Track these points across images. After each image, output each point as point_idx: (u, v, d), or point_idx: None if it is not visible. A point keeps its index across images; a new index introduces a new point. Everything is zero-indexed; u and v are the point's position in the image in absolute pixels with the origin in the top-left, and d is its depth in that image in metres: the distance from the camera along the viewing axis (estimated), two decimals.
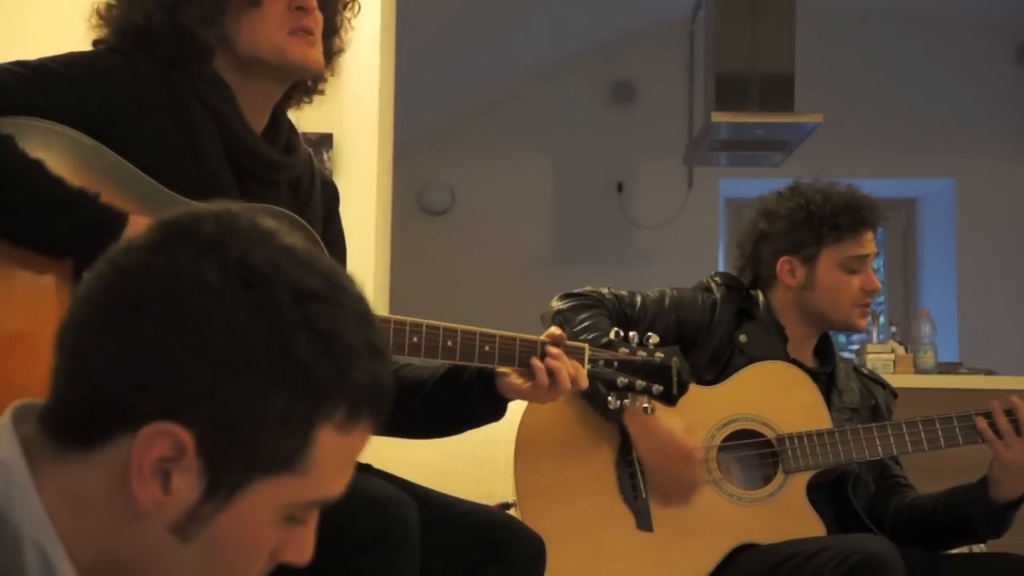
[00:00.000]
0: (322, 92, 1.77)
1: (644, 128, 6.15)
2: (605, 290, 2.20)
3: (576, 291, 2.19)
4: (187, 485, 0.78)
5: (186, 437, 0.77)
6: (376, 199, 3.18)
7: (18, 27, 3.09)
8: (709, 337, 2.20)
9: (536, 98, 6.19)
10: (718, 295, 2.24)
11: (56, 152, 1.45)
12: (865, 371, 2.40)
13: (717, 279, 2.28)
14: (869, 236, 2.25)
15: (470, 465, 2.42)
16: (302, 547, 0.85)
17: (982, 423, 2.10)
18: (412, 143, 5.97)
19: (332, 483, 0.83)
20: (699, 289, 2.27)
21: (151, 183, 1.49)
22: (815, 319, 2.26)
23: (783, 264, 2.24)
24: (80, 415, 0.80)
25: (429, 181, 6.23)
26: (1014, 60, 6.05)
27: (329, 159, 3.11)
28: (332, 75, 1.74)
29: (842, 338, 6.69)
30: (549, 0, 5.48)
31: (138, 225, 1.41)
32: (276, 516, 0.81)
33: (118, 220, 1.41)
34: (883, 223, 2.31)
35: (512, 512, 2.03)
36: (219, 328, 0.78)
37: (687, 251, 6.03)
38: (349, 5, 1.74)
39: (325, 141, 3.09)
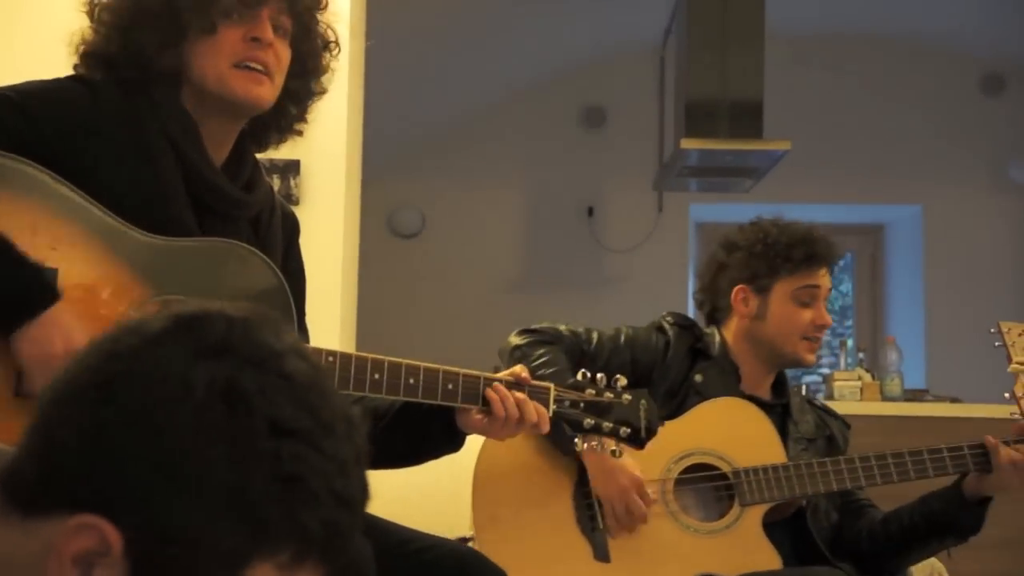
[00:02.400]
0: (299, 133, 1.75)
1: (615, 153, 6.17)
2: (562, 326, 2.23)
3: (534, 327, 2.22)
4: None
5: (115, 537, 0.73)
6: (343, 225, 3.17)
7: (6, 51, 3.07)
8: (663, 376, 2.24)
9: (507, 122, 6.20)
10: (671, 335, 2.28)
11: (9, 187, 1.42)
12: (817, 403, 2.44)
13: (669, 319, 2.33)
14: (823, 271, 2.28)
15: (433, 496, 2.41)
16: None
17: (1000, 447, 2.11)
18: (383, 166, 5.97)
19: None
20: (652, 328, 2.31)
21: (110, 218, 1.47)
22: (765, 352, 2.29)
23: (738, 293, 2.29)
24: (30, 481, 0.77)
25: (400, 204, 6.22)
26: (979, 89, 6.12)
27: (296, 185, 3.09)
28: (307, 122, 1.73)
29: None
30: (520, 24, 5.50)
31: (62, 318, 1.39)
32: None
33: (39, 301, 1.39)
34: (838, 259, 2.34)
35: (470, 546, 2.02)
36: (184, 441, 0.74)
37: (657, 275, 6.06)
38: (330, 46, 1.71)
39: (292, 168, 3.08)
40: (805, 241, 2.27)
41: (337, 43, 1.72)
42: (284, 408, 0.76)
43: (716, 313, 2.36)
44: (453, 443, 1.71)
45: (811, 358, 2.29)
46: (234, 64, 1.55)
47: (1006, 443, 2.13)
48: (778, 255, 2.26)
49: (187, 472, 0.74)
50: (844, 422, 2.41)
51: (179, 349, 0.77)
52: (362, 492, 0.80)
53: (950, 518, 2.18)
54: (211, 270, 1.50)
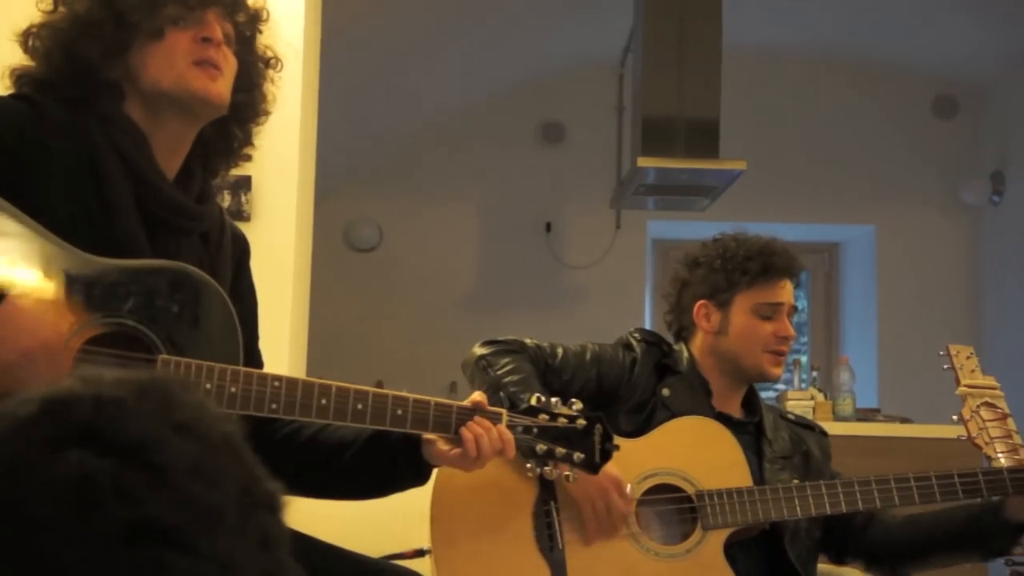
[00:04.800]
0: (248, 158, 1.73)
1: (573, 169, 6.18)
2: (528, 340, 2.21)
3: (499, 338, 2.20)
4: None
5: None
6: (295, 240, 3.14)
7: None
8: (631, 391, 2.21)
9: (466, 137, 6.20)
10: (638, 351, 2.26)
11: None
12: (792, 417, 2.42)
13: (636, 335, 2.31)
14: (783, 284, 2.28)
15: (386, 517, 2.38)
16: None
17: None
18: (340, 180, 5.93)
19: None
20: (619, 345, 2.29)
21: (53, 240, 1.43)
22: (730, 366, 2.28)
23: (699, 308, 2.29)
24: None
25: (356, 218, 6.19)
26: (932, 111, 6.20)
27: (247, 201, 3.06)
28: (254, 146, 1.71)
29: None
30: (480, 40, 5.50)
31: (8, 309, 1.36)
32: None
33: None
34: (797, 274, 2.32)
35: (427, 560, 2.00)
36: (36, 548, 0.64)
37: (615, 291, 6.07)
38: (271, 63, 1.71)
39: (243, 183, 3.04)
40: (762, 253, 2.26)
41: (279, 61, 1.71)
42: (148, 506, 0.65)
43: (683, 331, 2.35)
44: (419, 476, 1.69)
45: (776, 371, 2.27)
46: (191, 62, 1.55)
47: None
48: (735, 268, 2.26)
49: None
50: (822, 431, 2.38)
51: (38, 438, 0.66)
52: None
53: (984, 533, 2.14)
54: (152, 291, 1.47)
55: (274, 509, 0.71)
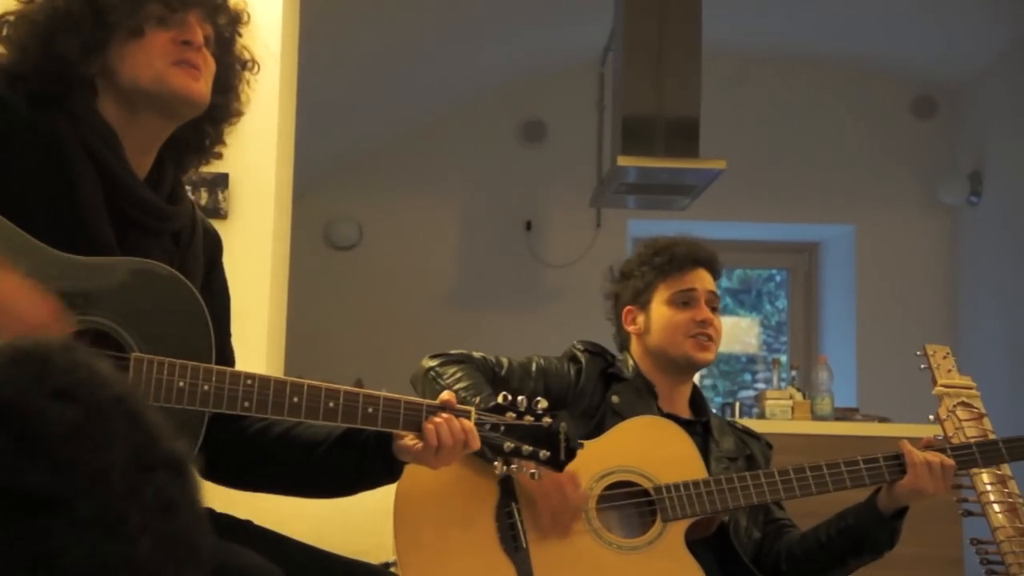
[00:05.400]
0: (218, 156, 1.73)
1: (554, 167, 6.18)
2: (475, 352, 2.28)
3: (446, 352, 2.26)
4: None
5: None
6: (273, 238, 3.12)
7: None
8: (577, 401, 2.28)
9: (447, 135, 6.19)
10: (583, 361, 2.34)
11: None
12: (738, 426, 2.49)
13: (580, 347, 2.39)
14: (693, 273, 2.37)
15: (359, 518, 2.38)
16: None
17: (914, 450, 2.17)
18: (321, 178, 5.92)
19: None
20: (565, 358, 2.36)
21: (21, 235, 1.42)
22: (663, 362, 2.36)
23: (626, 315, 2.41)
24: None
25: (336, 216, 6.18)
26: (911, 111, 6.23)
27: (224, 199, 3.04)
28: (225, 144, 1.71)
29: (747, 376, 6.81)
30: (461, 38, 5.49)
31: None
32: None
33: None
34: (706, 262, 2.40)
35: (393, 571, 2.00)
36: None
37: (595, 290, 6.01)
38: (248, 65, 1.70)
39: (220, 181, 3.03)
40: (668, 247, 2.38)
41: (256, 64, 1.70)
42: (21, 475, 0.62)
43: (623, 341, 2.45)
44: (391, 473, 1.70)
45: (703, 355, 2.34)
46: (170, 63, 1.55)
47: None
48: (647, 267, 2.37)
49: None
50: (767, 443, 2.46)
51: None
52: (168, 543, 0.66)
53: (865, 533, 2.21)
54: (124, 290, 1.46)
55: (178, 471, 0.68)
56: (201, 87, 1.57)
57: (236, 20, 1.66)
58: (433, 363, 2.22)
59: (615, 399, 2.29)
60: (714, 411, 2.51)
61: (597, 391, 2.30)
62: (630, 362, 2.37)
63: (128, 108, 1.55)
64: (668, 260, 2.36)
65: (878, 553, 2.24)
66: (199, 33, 1.57)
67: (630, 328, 2.39)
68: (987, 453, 2.22)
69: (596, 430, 2.23)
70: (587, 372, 2.32)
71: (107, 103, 1.55)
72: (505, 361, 2.28)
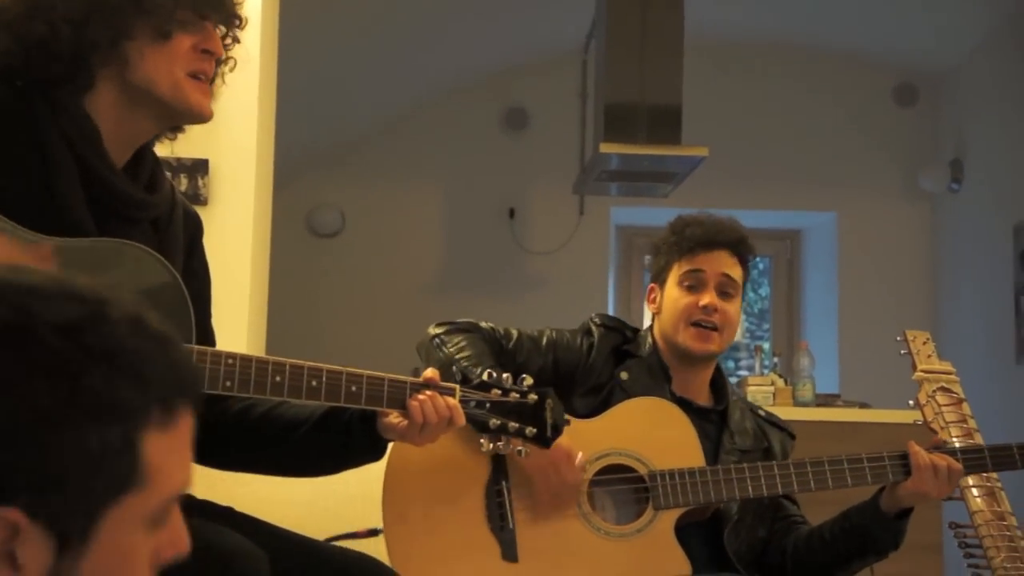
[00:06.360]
0: (173, 137, 1.72)
1: (537, 155, 6.18)
2: (483, 323, 2.22)
3: (453, 320, 2.20)
4: (35, 554, 0.76)
5: (14, 515, 0.75)
6: (254, 224, 3.11)
7: None
8: (588, 375, 2.22)
9: (430, 123, 6.18)
10: (596, 336, 2.27)
11: None
12: (762, 413, 2.39)
13: (596, 320, 2.31)
14: (706, 254, 2.24)
15: (342, 502, 2.37)
16: (176, 541, 0.85)
17: (921, 451, 2.11)
18: (303, 165, 5.90)
19: (178, 476, 0.83)
20: (580, 332, 2.29)
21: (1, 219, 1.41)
22: (669, 346, 2.27)
23: (649, 293, 2.35)
24: None
25: (319, 203, 6.16)
26: (892, 99, 6.25)
27: (204, 185, 3.03)
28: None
29: (730, 363, 6.83)
30: (444, 25, 5.48)
31: None
32: (140, 530, 0.81)
33: None
34: (726, 244, 2.26)
35: (380, 539, 2.00)
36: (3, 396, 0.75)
37: (578, 277, 6.08)
38: (227, 61, 1.69)
39: (200, 167, 3.01)
40: (688, 225, 2.27)
41: (235, 62, 1.70)
42: (53, 310, 0.78)
43: (654, 319, 2.36)
44: (375, 450, 1.69)
45: (696, 345, 2.22)
46: (188, 73, 1.54)
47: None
48: (668, 245, 2.29)
49: (25, 420, 0.75)
50: (790, 433, 2.36)
51: None
52: (164, 324, 0.83)
53: (868, 533, 2.16)
54: (102, 270, 1.46)
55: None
56: (209, 103, 1.58)
57: (243, 25, 1.65)
58: (439, 331, 2.16)
59: (624, 376, 2.22)
60: (740, 396, 2.39)
61: (607, 368, 2.23)
62: (648, 340, 2.28)
63: (128, 103, 1.54)
64: (681, 241, 2.26)
65: (883, 553, 2.18)
66: (220, 44, 1.58)
67: (650, 307, 2.32)
68: (999, 458, 2.16)
69: (602, 406, 2.18)
70: (599, 347, 2.24)
71: (105, 93, 1.53)
72: (515, 333, 2.21)
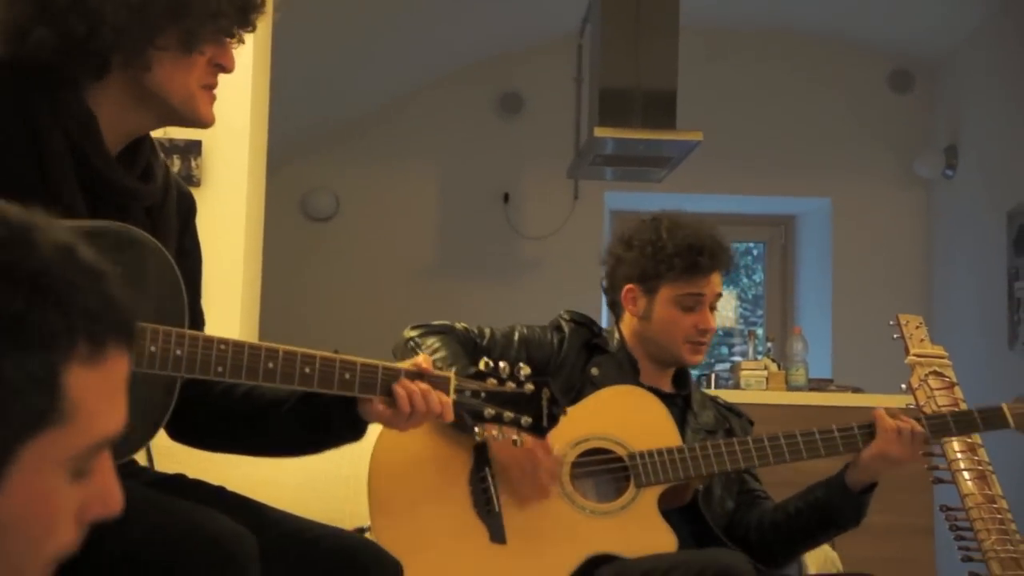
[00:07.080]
0: None
1: (531, 139, 6.17)
2: (457, 324, 2.27)
3: (428, 323, 2.25)
4: None
5: None
6: (247, 205, 3.10)
7: None
8: (558, 371, 2.27)
9: (424, 107, 6.16)
10: (566, 331, 2.33)
11: None
12: (721, 402, 2.48)
13: (566, 316, 2.37)
14: (707, 279, 2.32)
15: (334, 485, 2.38)
16: (106, 498, 0.79)
17: (886, 416, 2.18)
18: (297, 148, 5.89)
19: (105, 420, 0.77)
20: (550, 328, 2.35)
21: None
22: (653, 350, 2.35)
23: (627, 292, 2.36)
24: None
25: (313, 187, 6.15)
26: (887, 85, 6.24)
27: (197, 166, 3.02)
28: None
29: (723, 349, 6.84)
30: (439, 10, 5.46)
31: None
32: (61, 476, 0.75)
33: None
34: (726, 266, 2.36)
35: (367, 536, 2.00)
36: None
37: (572, 262, 6.07)
38: None
39: (193, 148, 3.00)
40: (690, 250, 2.30)
41: None
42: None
43: (614, 307, 2.42)
44: (355, 432, 1.69)
45: (695, 359, 2.34)
46: (202, 86, 1.57)
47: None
48: (663, 261, 2.31)
49: None
50: (749, 420, 2.45)
51: None
52: (104, 261, 0.79)
53: (832, 506, 2.22)
54: (100, 253, 1.45)
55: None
56: (212, 111, 1.60)
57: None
58: (414, 333, 2.22)
59: (595, 371, 2.29)
60: (724, 372, 2.50)
61: (579, 362, 2.30)
62: (616, 335, 2.36)
63: (133, 101, 1.54)
64: (687, 267, 2.30)
65: (843, 527, 2.25)
66: (234, 61, 1.59)
67: (629, 307, 2.35)
68: (961, 422, 2.24)
69: (574, 402, 2.22)
70: (570, 342, 2.31)
71: (112, 88, 1.53)
72: (487, 331, 2.28)
